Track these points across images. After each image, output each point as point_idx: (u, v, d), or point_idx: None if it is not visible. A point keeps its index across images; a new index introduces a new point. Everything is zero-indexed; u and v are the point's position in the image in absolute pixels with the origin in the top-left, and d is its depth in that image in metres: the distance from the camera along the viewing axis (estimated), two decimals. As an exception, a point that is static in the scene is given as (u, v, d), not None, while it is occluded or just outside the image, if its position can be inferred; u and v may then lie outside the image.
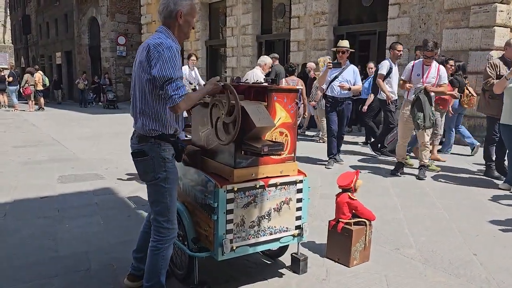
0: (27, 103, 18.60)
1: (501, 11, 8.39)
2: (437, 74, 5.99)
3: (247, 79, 6.93)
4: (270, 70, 8.20)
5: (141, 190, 5.18)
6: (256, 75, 7.22)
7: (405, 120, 6.14)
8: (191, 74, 8.81)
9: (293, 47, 13.21)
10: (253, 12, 14.95)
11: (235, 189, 2.69)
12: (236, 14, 15.58)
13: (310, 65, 10.55)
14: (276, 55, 10.05)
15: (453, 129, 7.93)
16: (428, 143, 6.24)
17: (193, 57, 9.07)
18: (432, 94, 6.00)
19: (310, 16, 12.53)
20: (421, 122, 5.78)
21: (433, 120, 5.87)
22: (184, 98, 2.40)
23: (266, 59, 7.69)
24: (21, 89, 18.32)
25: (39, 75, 18.63)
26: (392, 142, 7.63)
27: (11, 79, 17.79)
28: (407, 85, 6.01)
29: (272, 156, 2.84)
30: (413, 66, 6.16)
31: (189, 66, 8.84)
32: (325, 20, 12.09)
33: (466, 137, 7.97)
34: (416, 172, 6.31)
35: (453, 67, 7.35)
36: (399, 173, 6.37)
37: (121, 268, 3.28)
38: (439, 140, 7.40)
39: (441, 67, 6.09)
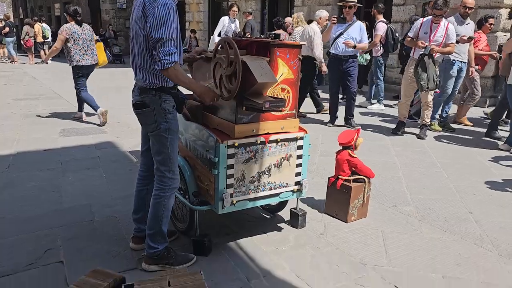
0: (27, 55, 18.34)
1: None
2: (445, 33, 5.85)
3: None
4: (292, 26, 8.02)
5: (142, 145, 5.21)
6: (313, 29, 7.04)
7: (409, 79, 6.06)
8: (231, 27, 8.51)
9: (298, 1, 12.84)
10: (257, -37, 14.42)
11: (236, 144, 2.71)
12: (239, -35, 15.03)
13: (287, 19, 10.04)
14: (250, 10, 9.82)
15: None
16: (431, 103, 6.21)
17: (235, 8, 8.69)
18: (438, 54, 5.90)
19: (315, -31, 12.08)
20: (425, 84, 5.71)
21: (436, 81, 5.79)
22: (174, 67, 2.39)
23: (322, 13, 7.45)
24: (22, 41, 17.98)
25: (38, 26, 18.24)
26: (416, 104, 7.35)
27: (7, 30, 17.40)
28: (419, 42, 5.85)
29: (273, 113, 2.83)
30: (421, 23, 6.00)
31: (229, 17, 8.53)
32: (331, -27, 11.67)
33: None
34: (430, 134, 6.31)
35: (492, 26, 7.06)
36: (400, 132, 6.37)
37: (124, 220, 3.36)
38: (474, 102, 7.14)
39: (450, 25, 5.93)
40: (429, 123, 6.36)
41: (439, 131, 6.57)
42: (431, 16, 5.95)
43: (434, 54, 5.78)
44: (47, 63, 6.47)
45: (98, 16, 25.09)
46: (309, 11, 12.45)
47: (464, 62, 6.52)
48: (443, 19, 5.90)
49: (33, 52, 18.10)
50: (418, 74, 5.72)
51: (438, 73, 5.86)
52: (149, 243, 2.66)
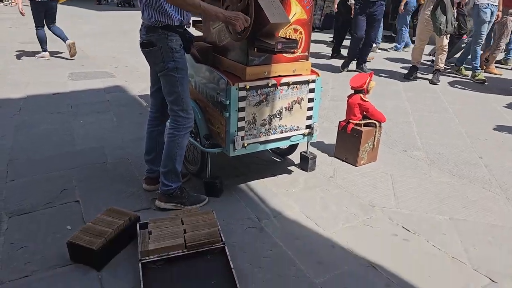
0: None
1: None
2: None
3: None
4: None
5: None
6: None
7: (425, 22, 5.85)
8: None
9: None
10: None
11: (247, 87, 2.68)
12: None
13: None
14: None
15: None
16: (446, 47, 6.03)
17: None
18: None
19: None
20: (444, 27, 5.49)
21: (454, 24, 5.57)
22: None
23: None
24: None
25: None
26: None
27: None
28: None
29: (285, 55, 2.77)
30: None
31: None
32: None
33: None
34: (444, 80, 6.15)
35: None
36: (412, 77, 6.26)
37: (135, 162, 3.41)
38: (500, 51, 6.85)
39: None
40: (442, 68, 6.20)
41: (485, 81, 6.23)
42: None
43: None
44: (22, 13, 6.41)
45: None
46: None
47: (495, 5, 6.13)
48: None
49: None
50: (436, 16, 5.50)
51: (455, 16, 5.63)
52: (163, 181, 2.73)
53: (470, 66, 6.47)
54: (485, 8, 6.02)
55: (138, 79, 5.96)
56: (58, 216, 2.67)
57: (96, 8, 17.63)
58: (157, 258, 2.18)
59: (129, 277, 2.15)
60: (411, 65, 6.35)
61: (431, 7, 5.63)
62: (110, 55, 7.57)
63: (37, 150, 3.63)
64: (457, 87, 5.99)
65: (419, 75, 6.40)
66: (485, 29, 6.19)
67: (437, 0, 5.53)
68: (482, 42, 6.34)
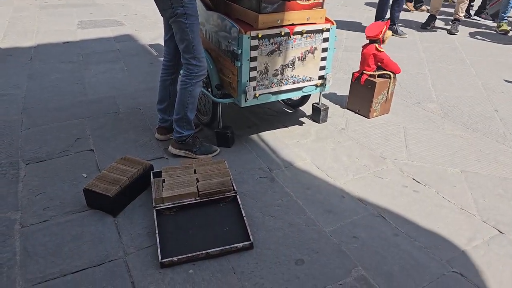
0: None
1: None
2: None
3: None
4: None
5: (161, 38, 5.11)
6: None
7: None
8: None
9: None
10: None
11: (260, 35, 2.61)
12: None
13: None
14: None
15: None
16: None
17: None
18: None
19: None
20: None
21: None
22: None
23: None
24: None
25: None
26: (495, 5, 6.68)
27: None
28: None
29: (299, 1, 2.68)
30: None
31: None
32: None
33: None
34: (463, 30, 5.92)
35: None
36: (430, 27, 6.04)
37: (147, 112, 3.42)
38: None
39: None
40: (462, 17, 5.96)
41: (508, 32, 5.98)
42: None
43: None
44: None
45: None
46: None
47: None
48: None
49: None
50: None
51: None
52: (176, 128, 2.76)
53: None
54: None
55: (147, 28, 5.85)
56: (74, 164, 2.73)
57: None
58: (171, 206, 2.23)
59: (144, 223, 2.22)
60: (429, 14, 6.12)
61: None
62: (119, 3, 7.40)
63: (50, 99, 3.65)
64: (477, 38, 5.78)
65: (438, 24, 6.18)
66: None
67: None
68: None
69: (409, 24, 6.34)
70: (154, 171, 2.51)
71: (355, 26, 6.11)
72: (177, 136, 2.77)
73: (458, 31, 5.89)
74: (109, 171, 2.42)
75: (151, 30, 5.71)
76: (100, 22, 6.13)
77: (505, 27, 5.97)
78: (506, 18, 6.01)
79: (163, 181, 2.35)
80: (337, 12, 6.93)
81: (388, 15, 5.66)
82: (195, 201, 2.27)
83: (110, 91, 3.84)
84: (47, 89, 3.85)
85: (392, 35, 5.68)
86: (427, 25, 6.07)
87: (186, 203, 2.26)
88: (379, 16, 5.66)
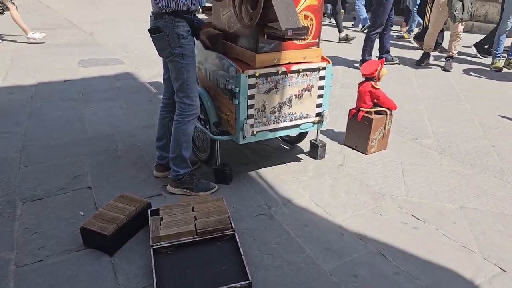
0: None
1: None
2: None
3: None
4: None
5: (160, 76, 5.20)
6: None
7: (440, 7, 5.73)
8: None
9: None
10: None
11: (257, 74, 2.67)
12: None
13: None
14: None
15: None
16: (461, 34, 5.89)
17: None
18: None
19: None
20: (458, 14, 5.36)
21: (471, 11, 5.39)
22: None
23: None
24: None
25: None
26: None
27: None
28: None
29: (295, 41, 2.75)
30: None
31: None
32: None
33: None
34: (456, 67, 6.05)
35: None
36: (424, 64, 6.17)
37: (146, 149, 3.44)
38: None
39: None
40: (455, 55, 6.09)
41: (502, 69, 6.04)
42: None
43: None
44: None
45: None
46: None
47: None
48: None
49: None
50: (452, 2, 5.37)
51: (473, 3, 5.48)
52: (172, 166, 2.78)
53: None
54: None
55: (147, 66, 5.96)
56: (71, 202, 2.71)
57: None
58: (168, 244, 2.21)
59: (141, 262, 2.19)
60: (423, 51, 6.26)
61: None
62: (120, 42, 7.57)
63: (50, 137, 3.67)
64: (471, 74, 5.89)
65: (432, 61, 6.31)
66: None
67: None
68: (508, 29, 6.01)
69: (404, 61, 6.47)
70: (152, 208, 2.49)
71: (352, 64, 6.23)
72: (174, 174, 2.77)
73: (452, 67, 6.01)
74: (106, 209, 2.40)
75: (151, 68, 5.82)
76: (101, 61, 6.26)
77: (498, 64, 6.09)
78: (499, 55, 6.14)
79: (161, 219, 2.33)
80: (334, 50, 7.09)
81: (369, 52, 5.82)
82: (193, 240, 2.24)
83: (109, 128, 3.87)
84: (47, 127, 3.88)
85: (387, 63, 5.96)
86: (422, 62, 6.20)
87: (183, 241, 2.23)
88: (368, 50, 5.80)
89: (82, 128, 3.88)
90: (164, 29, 2.51)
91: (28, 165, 3.17)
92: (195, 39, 2.67)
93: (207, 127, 3.01)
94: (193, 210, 2.42)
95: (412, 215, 2.64)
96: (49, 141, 3.59)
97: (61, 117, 4.11)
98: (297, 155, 3.40)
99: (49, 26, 9.16)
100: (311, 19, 2.78)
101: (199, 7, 2.68)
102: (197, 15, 2.70)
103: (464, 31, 6.10)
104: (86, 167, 3.15)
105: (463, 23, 5.73)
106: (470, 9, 5.39)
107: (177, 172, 2.76)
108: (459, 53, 6.56)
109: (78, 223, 2.41)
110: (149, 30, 2.60)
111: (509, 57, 6.17)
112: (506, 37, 6.07)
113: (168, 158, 2.89)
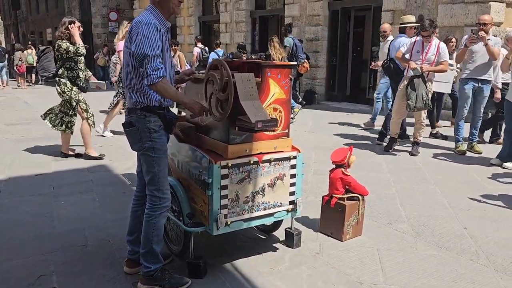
0: (15, 80, 18.39)
1: (497, -14, 8.31)
2: (436, 51, 5.90)
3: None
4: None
5: (134, 167, 5.20)
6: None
7: (401, 96, 6.09)
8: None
9: (288, 22, 13.06)
10: (247, -14, 14.71)
11: (229, 165, 2.71)
12: (229, -11, 15.32)
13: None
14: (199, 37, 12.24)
15: None
16: (424, 122, 6.21)
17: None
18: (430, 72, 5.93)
19: (305, -9, 12.36)
20: (412, 103, 5.73)
21: (425, 101, 5.74)
22: (162, 82, 2.46)
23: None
24: (15, 68, 18.05)
25: (20, 53, 18.34)
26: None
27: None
28: (411, 63, 5.87)
29: (266, 132, 2.85)
30: (414, 42, 6.05)
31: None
32: (320, -5, 11.93)
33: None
34: (423, 151, 6.30)
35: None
36: (392, 149, 6.41)
37: (117, 243, 3.32)
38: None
39: (442, 44, 6.01)
40: (421, 141, 6.37)
41: (465, 153, 6.32)
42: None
43: (426, 74, 5.83)
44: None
45: (90, 40, 25.27)
46: (299, 31, 12.66)
47: (485, 80, 6.14)
48: (434, 37, 6.01)
49: (25, 77, 18.16)
50: (408, 93, 5.79)
51: (428, 93, 5.82)
52: (143, 262, 2.68)
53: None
54: (465, 83, 6.21)
55: (122, 158, 5.97)
56: (33, 305, 2.53)
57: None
58: None
59: None
60: (389, 137, 6.54)
61: (406, 83, 5.92)
62: (96, 135, 7.63)
63: (15, 234, 3.52)
64: (437, 158, 6.13)
65: (399, 147, 6.57)
66: (464, 105, 6.27)
67: (409, 79, 5.84)
68: (461, 117, 6.36)
69: (372, 147, 6.72)
70: (120, 309, 2.35)
71: (323, 150, 6.41)
72: (145, 271, 2.66)
73: (419, 152, 6.26)
74: (70, 312, 2.24)
75: (126, 160, 5.83)
76: (75, 154, 6.23)
77: (461, 148, 6.38)
78: (461, 139, 6.46)
79: (129, 320, 2.19)
80: (305, 138, 7.34)
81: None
82: None
83: (79, 223, 3.75)
84: (13, 223, 3.74)
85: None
86: (389, 148, 6.44)
87: None
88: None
89: (50, 223, 3.75)
90: (136, 124, 2.58)
91: (-11, 266, 3.00)
92: (168, 133, 2.73)
93: (181, 218, 2.97)
94: (164, 309, 2.29)
95: (392, 304, 2.56)
96: (14, 239, 3.43)
97: (29, 213, 3.98)
98: (273, 244, 3.34)
99: (25, 120, 9.25)
100: (280, 111, 2.92)
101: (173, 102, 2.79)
102: (171, 109, 2.79)
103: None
104: (52, 265, 3.00)
105: (426, 111, 6.09)
106: (425, 99, 5.75)
107: (148, 268, 2.65)
108: (425, 138, 6.88)
109: (38, 329, 2.23)
110: (122, 124, 2.67)
111: (471, 141, 6.50)
112: (465, 122, 6.45)
113: (139, 253, 2.79)
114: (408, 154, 6.29)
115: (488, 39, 5.93)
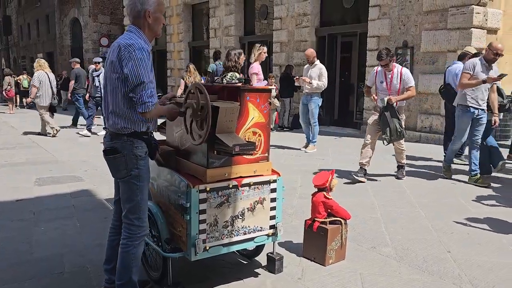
0: (6, 105, 18.31)
1: (478, 13, 8.54)
2: (399, 78, 5.81)
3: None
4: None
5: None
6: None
7: (373, 129, 6.04)
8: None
9: (276, 48, 13.27)
10: (236, 13, 14.97)
11: (208, 189, 2.69)
12: (219, 15, 15.57)
13: None
14: (77, 59, 12.85)
15: None
16: (403, 146, 6.12)
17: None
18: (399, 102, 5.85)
19: (292, 18, 12.60)
20: (387, 137, 5.73)
21: (400, 131, 5.69)
22: (155, 107, 2.46)
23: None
24: (4, 92, 18.04)
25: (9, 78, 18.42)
26: None
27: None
28: (373, 96, 5.93)
29: (245, 156, 2.84)
30: (376, 72, 6.03)
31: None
32: (307, 22, 12.16)
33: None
34: (409, 174, 6.31)
35: None
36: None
37: (95, 270, 3.25)
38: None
39: (404, 69, 5.90)
40: (405, 164, 6.35)
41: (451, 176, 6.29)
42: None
43: (395, 104, 5.73)
44: None
45: (81, 65, 25.37)
46: (287, 57, 12.85)
47: (483, 110, 5.90)
48: (396, 65, 5.91)
49: (14, 102, 18.12)
50: (381, 127, 5.77)
51: (401, 123, 5.74)
52: None
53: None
54: (467, 111, 5.94)
55: (106, 182, 5.89)
56: (2, 336, 2.45)
57: (69, 113, 18.07)
58: None
59: None
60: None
61: (377, 112, 5.89)
62: (81, 159, 7.58)
63: (-9, 261, 3.43)
64: (423, 182, 6.15)
65: (386, 172, 6.59)
66: (462, 133, 6.05)
67: (380, 112, 5.80)
68: (459, 145, 6.30)
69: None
70: None
71: (310, 174, 6.40)
72: None
73: (404, 175, 6.27)
74: None
75: (110, 184, 5.71)
76: (58, 179, 6.17)
77: (482, 181, 6.00)
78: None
79: None
80: (291, 162, 7.33)
81: None
82: None
83: (58, 248, 3.67)
84: (-11, 250, 3.65)
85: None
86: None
87: None
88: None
89: (28, 249, 3.66)
90: (122, 150, 2.49)
91: (-40, 295, 2.90)
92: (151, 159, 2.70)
93: (159, 244, 2.91)
94: (137, 338, 2.22)
95: (373, 331, 2.52)
96: (-11, 266, 3.34)
97: (7, 239, 3.89)
98: (255, 270, 3.29)
99: (10, 145, 9.16)
100: (260, 135, 2.92)
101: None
102: (153, 135, 2.76)
103: (413, 141, 6.48)
104: (26, 293, 2.92)
105: (403, 139, 6.01)
106: (399, 130, 5.68)
107: None
108: (414, 161, 6.91)
109: None
110: (104, 151, 2.58)
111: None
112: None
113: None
114: (394, 177, 6.30)
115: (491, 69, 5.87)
